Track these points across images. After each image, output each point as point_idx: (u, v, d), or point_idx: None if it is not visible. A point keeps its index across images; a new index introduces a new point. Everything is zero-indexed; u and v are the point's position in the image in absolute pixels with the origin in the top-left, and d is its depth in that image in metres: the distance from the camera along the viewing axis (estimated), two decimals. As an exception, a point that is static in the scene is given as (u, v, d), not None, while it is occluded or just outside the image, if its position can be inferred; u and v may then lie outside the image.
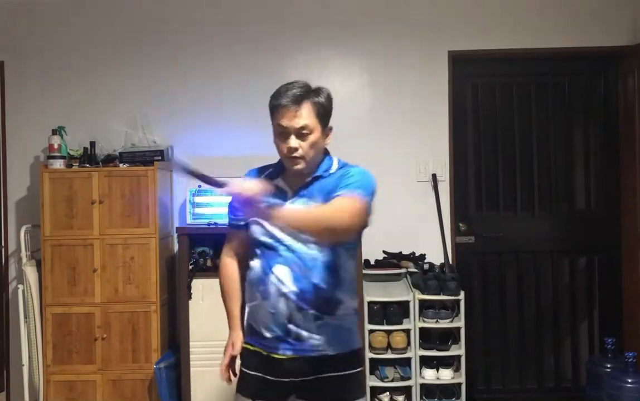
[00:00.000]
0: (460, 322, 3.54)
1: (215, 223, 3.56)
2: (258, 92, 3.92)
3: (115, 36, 4.00)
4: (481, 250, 4.06)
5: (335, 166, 2.06)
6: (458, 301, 3.55)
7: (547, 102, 4.09)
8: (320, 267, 1.96)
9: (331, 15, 4.00)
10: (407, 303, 3.55)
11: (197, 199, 3.66)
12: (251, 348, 2.05)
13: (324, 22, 4.00)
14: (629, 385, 3.32)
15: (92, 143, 3.74)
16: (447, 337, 3.58)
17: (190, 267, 3.50)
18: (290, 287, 1.95)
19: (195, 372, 3.49)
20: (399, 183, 3.93)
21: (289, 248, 1.97)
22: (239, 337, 2.11)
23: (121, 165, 3.64)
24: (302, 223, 1.84)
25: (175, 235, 3.74)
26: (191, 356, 3.49)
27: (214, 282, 3.45)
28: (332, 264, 1.97)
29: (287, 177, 2.06)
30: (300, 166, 2.00)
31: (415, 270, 3.73)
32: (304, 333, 1.95)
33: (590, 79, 4.11)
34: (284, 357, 1.97)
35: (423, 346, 3.55)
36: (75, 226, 3.59)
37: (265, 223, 1.97)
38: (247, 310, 2.08)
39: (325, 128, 2.05)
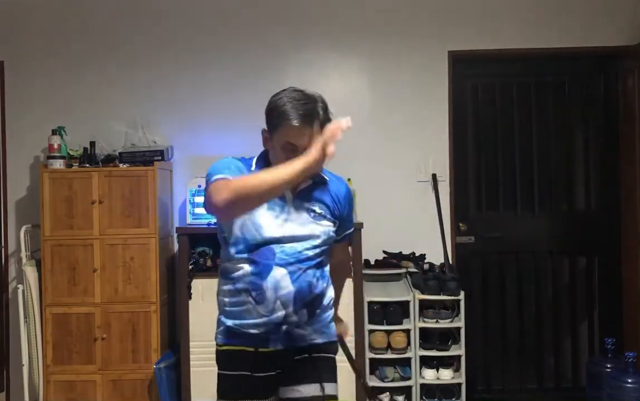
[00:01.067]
0: (460, 322, 3.54)
1: (215, 224, 3.55)
2: (258, 91, 3.94)
3: (116, 36, 4.00)
4: (481, 250, 4.06)
5: (323, 173, 2.13)
6: (458, 301, 3.55)
7: (547, 102, 4.09)
8: (314, 265, 2.01)
9: (331, 15, 4.00)
10: (407, 303, 3.55)
11: (197, 199, 3.66)
12: (234, 348, 2.02)
13: (324, 22, 4.00)
14: (629, 385, 3.32)
15: (92, 143, 3.74)
16: (447, 337, 3.58)
17: (190, 267, 3.50)
18: (288, 288, 1.96)
19: (195, 372, 3.49)
20: (399, 183, 3.93)
21: (284, 250, 1.97)
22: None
23: (121, 165, 3.64)
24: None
25: (175, 235, 3.74)
26: (191, 356, 3.49)
27: (214, 282, 3.45)
28: (323, 261, 2.06)
29: None
30: (305, 180, 1.99)
31: (415, 270, 3.73)
32: (296, 329, 1.99)
33: (590, 79, 4.11)
34: (273, 350, 1.99)
35: (423, 346, 3.55)
36: (75, 226, 3.59)
37: (263, 227, 1.97)
38: (225, 315, 2.04)
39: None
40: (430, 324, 3.54)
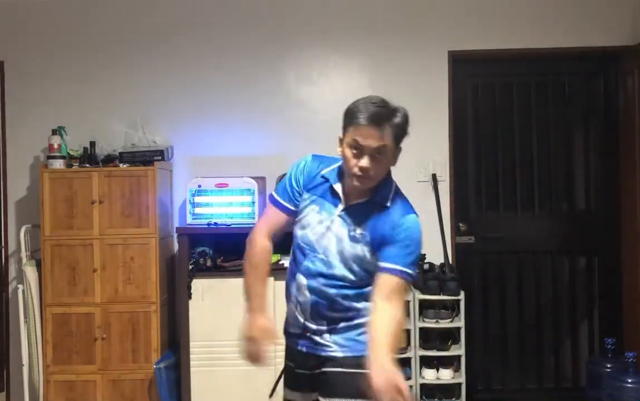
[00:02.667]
0: (460, 322, 3.54)
1: (215, 223, 3.56)
2: (258, 91, 3.98)
3: (116, 36, 4.00)
4: (481, 250, 4.06)
5: (390, 196, 2.04)
6: (458, 301, 3.55)
7: (547, 102, 4.09)
8: (342, 285, 1.99)
9: (331, 15, 4.00)
10: (407, 303, 3.55)
11: (197, 199, 3.66)
12: (285, 339, 2.17)
13: (324, 22, 4.00)
14: (629, 385, 3.32)
15: (92, 143, 3.74)
16: (447, 337, 3.58)
17: (190, 267, 3.50)
18: (306, 297, 2.02)
19: (195, 372, 3.48)
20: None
21: (314, 260, 2.01)
22: (257, 323, 2.10)
23: (121, 165, 3.64)
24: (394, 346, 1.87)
25: (175, 235, 3.74)
26: (191, 356, 3.49)
27: (213, 282, 3.50)
28: (352, 283, 1.99)
29: (345, 184, 2.01)
30: (365, 185, 1.97)
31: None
32: (317, 337, 2.03)
33: (590, 79, 4.11)
34: (301, 351, 2.08)
35: (423, 346, 3.55)
36: (75, 226, 3.59)
37: (307, 230, 2.03)
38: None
39: (397, 150, 2.00)
40: (430, 324, 3.54)
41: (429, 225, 3.91)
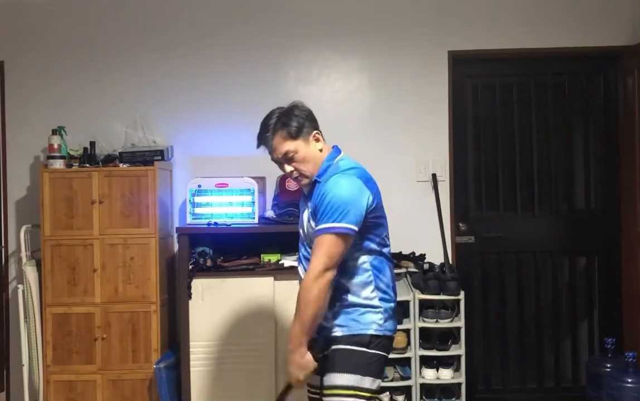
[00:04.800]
0: (460, 322, 3.54)
1: (216, 223, 3.56)
2: (258, 91, 3.97)
3: (116, 36, 4.00)
4: (481, 250, 4.06)
5: (323, 173, 2.24)
6: (458, 301, 3.56)
7: (547, 102, 4.09)
8: None
9: (331, 15, 4.00)
10: (407, 303, 3.55)
11: (197, 199, 3.66)
12: None
13: (324, 22, 4.00)
14: (629, 385, 3.32)
15: (92, 143, 3.74)
16: (447, 337, 3.58)
17: (190, 267, 3.50)
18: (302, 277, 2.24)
19: (195, 372, 3.48)
20: (399, 183, 3.93)
21: (304, 245, 2.30)
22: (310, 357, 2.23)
23: (121, 165, 3.64)
24: (305, 324, 2.16)
25: (175, 235, 3.73)
26: (191, 356, 3.48)
27: (213, 282, 3.50)
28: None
29: None
30: (304, 181, 2.26)
31: (415, 270, 3.73)
32: (323, 321, 2.22)
33: (590, 79, 4.11)
34: (315, 337, 2.24)
35: (423, 346, 3.55)
36: (75, 226, 3.59)
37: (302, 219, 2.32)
38: None
39: (310, 138, 2.24)
40: (430, 324, 3.54)
41: (428, 225, 3.92)
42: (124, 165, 3.64)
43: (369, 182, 2.20)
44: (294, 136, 2.20)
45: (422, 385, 3.54)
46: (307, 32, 4.00)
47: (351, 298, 2.21)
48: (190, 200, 3.66)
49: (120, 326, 3.59)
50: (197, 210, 3.65)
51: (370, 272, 2.23)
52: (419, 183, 3.96)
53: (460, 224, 4.05)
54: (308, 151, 2.22)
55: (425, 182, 3.97)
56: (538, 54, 4.01)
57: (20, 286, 3.70)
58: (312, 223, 2.20)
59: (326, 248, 2.11)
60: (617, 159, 4.05)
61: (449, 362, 3.57)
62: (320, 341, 2.23)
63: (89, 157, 3.72)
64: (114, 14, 4.01)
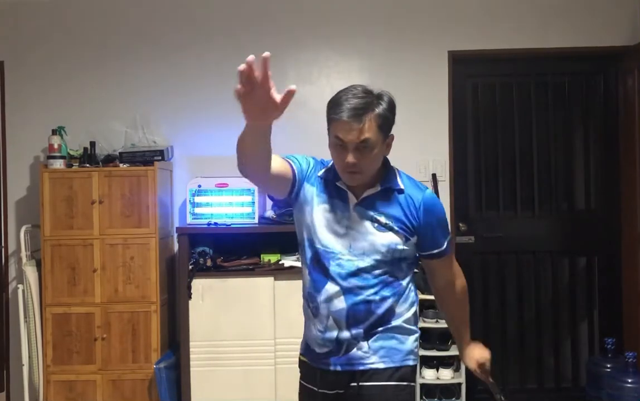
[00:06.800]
0: (460, 322, 3.54)
1: (215, 223, 3.56)
2: (258, 92, 3.97)
3: (115, 36, 4.00)
4: (481, 250, 4.06)
5: (399, 179, 1.98)
6: (458, 301, 3.55)
7: (547, 102, 4.09)
8: (376, 283, 1.88)
9: (331, 15, 4.00)
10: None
11: (197, 199, 3.66)
12: (307, 361, 1.99)
13: (324, 22, 4.00)
14: (629, 385, 3.32)
15: (92, 143, 3.74)
16: (447, 337, 3.58)
17: (190, 267, 3.50)
18: (341, 305, 1.87)
19: (195, 372, 3.48)
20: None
21: (340, 264, 1.87)
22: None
23: (121, 165, 3.64)
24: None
25: (175, 235, 3.74)
26: (191, 356, 3.49)
27: (213, 282, 3.50)
28: (390, 278, 1.90)
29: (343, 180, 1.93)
30: (356, 181, 1.88)
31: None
32: (356, 350, 1.89)
33: (590, 79, 4.11)
34: (333, 370, 1.91)
35: (423, 346, 3.54)
36: (75, 226, 3.59)
37: (321, 233, 1.89)
38: (304, 325, 2.00)
39: (387, 138, 1.94)
40: (430, 324, 3.54)
41: (429, 225, 3.91)
42: (124, 165, 3.64)
43: None
44: (381, 128, 1.88)
45: (422, 385, 3.54)
46: (308, 32, 4.00)
47: (395, 322, 1.91)
48: (190, 200, 3.66)
49: (120, 326, 3.59)
50: (197, 210, 3.65)
51: (413, 291, 2.00)
52: (419, 184, 3.96)
53: (460, 224, 4.05)
54: (380, 152, 1.91)
55: (426, 182, 3.96)
56: (538, 54, 4.01)
57: (20, 286, 3.71)
58: (396, 235, 1.87)
59: (454, 261, 2.00)
60: (617, 159, 4.05)
61: (449, 362, 3.58)
62: (341, 374, 1.90)
63: (89, 157, 3.72)
64: (114, 14, 4.01)
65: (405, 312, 1.93)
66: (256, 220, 3.61)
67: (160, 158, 3.66)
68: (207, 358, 3.48)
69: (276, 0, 4.01)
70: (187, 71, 3.99)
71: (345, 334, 1.87)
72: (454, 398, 3.55)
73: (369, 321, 1.88)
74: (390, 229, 1.87)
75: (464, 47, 3.97)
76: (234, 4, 4.01)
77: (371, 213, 1.89)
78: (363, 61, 4.01)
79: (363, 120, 1.83)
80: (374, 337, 1.89)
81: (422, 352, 3.54)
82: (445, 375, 3.54)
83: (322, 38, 4.01)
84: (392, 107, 1.94)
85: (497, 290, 4.10)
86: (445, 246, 1.95)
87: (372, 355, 1.88)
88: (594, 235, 4.09)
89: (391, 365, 1.89)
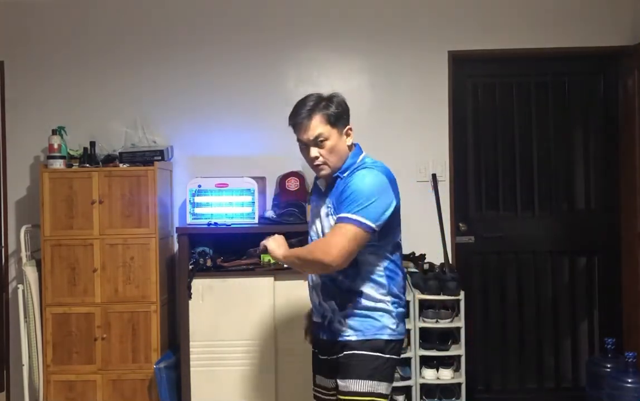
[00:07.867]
0: (460, 322, 3.54)
1: (216, 223, 3.56)
2: (258, 91, 3.98)
3: (116, 36, 4.00)
4: (481, 250, 4.06)
5: (350, 168, 2.24)
6: (458, 301, 3.55)
7: (547, 102, 4.09)
8: None
9: (331, 15, 4.00)
10: (407, 303, 3.54)
11: (197, 199, 3.66)
12: (313, 329, 2.43)
13: (324, 22, 4.00)
14: (629, 385, 3.32)
15: (92, 143, 3.74)
16: (447, 337, 3.58)
17: (190, 267, 3.50)
18: (318, 280, 2.27)
19: (195, 372, 3.48)
20: (398, 183, 3.90)
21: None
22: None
23: (121, 165, 3.64)
24: (293, 263, 2.22)
25: (175, 235, 3.73)
26: (191, 356, 3.49)
27: (213, 282, 3.50)
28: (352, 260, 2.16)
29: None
30: (324, 172, 2.23)
31: (415, 270, 3.73)
32: (335, 323, 2.24)
33: (590, 79, 4.11)
34: (322, 339, 2.32)
35: (423, 346, 3.54)
36: (75, 226, 3.59)
37: (309, 226, 2.36)
38: None
39: (343, 130, 2.25)
40: (430, 324, 3.54)
41: (428, 225, 3.91)
42: (124, 165, 3.64)
43: (393, 183, 2.23)
44: (332, 123, 2.19)
45: (422, 385, 3.54)
46: (308, 32, 4.00)
47: (365, 302, 2.21)
48: (190, 200, 3.66)
49: (120, 326, 3.59)
50: (197, 210, 3.65)
51: (385, 276, 2.23)
52: (419, 183, 3.96)
53: (460, 224, 4.05)
54: (339, 142, 2.22)
55: (425, 182, 3.97)
56: (538, 54, 4.01)
57: (20, 286, 3.70)
58: (332, 220, 2.18)
59: (345, 236, 2.07)
60: (617, 159, 4.05)
61: (449, 362, 3.57)
62: (328, 343, 2.27)
63: (89, 157, 3.72)
64: (114, 14, 4.01)
65: (375, 294, 2.21)
66: (256, 220, 3.61)
67: (160, 158, 3.66)
68: (207, 358, 3.48)
69: (276, 0, 4.01)
70: (188, 71, 3.99)
71: (325, 305, 2.26)
72: (454, 398, 3.55)
73: (339, 295, 2.22)
74: (332, 214, 2.20)
75: (464, 47, 3.97)
76: (234, 4, 4.01)
77: (327, 200, 2.25)
78: (363, 61, 4.01)
79: (312, 119, 2.17)
80: (351, 316, 2.21)
81: (422, 352, 3.54)
82: (445, 375, 3.54)
83: (322, 38, 4.01)
84: (340, 104, 2.24)
85: (497, 290, 4.10)
86: (342, 214, 2.11)
87: (348, 328, 2.22)
88: (594, 235, 4.09)
89: (362, 337, 2.20)
